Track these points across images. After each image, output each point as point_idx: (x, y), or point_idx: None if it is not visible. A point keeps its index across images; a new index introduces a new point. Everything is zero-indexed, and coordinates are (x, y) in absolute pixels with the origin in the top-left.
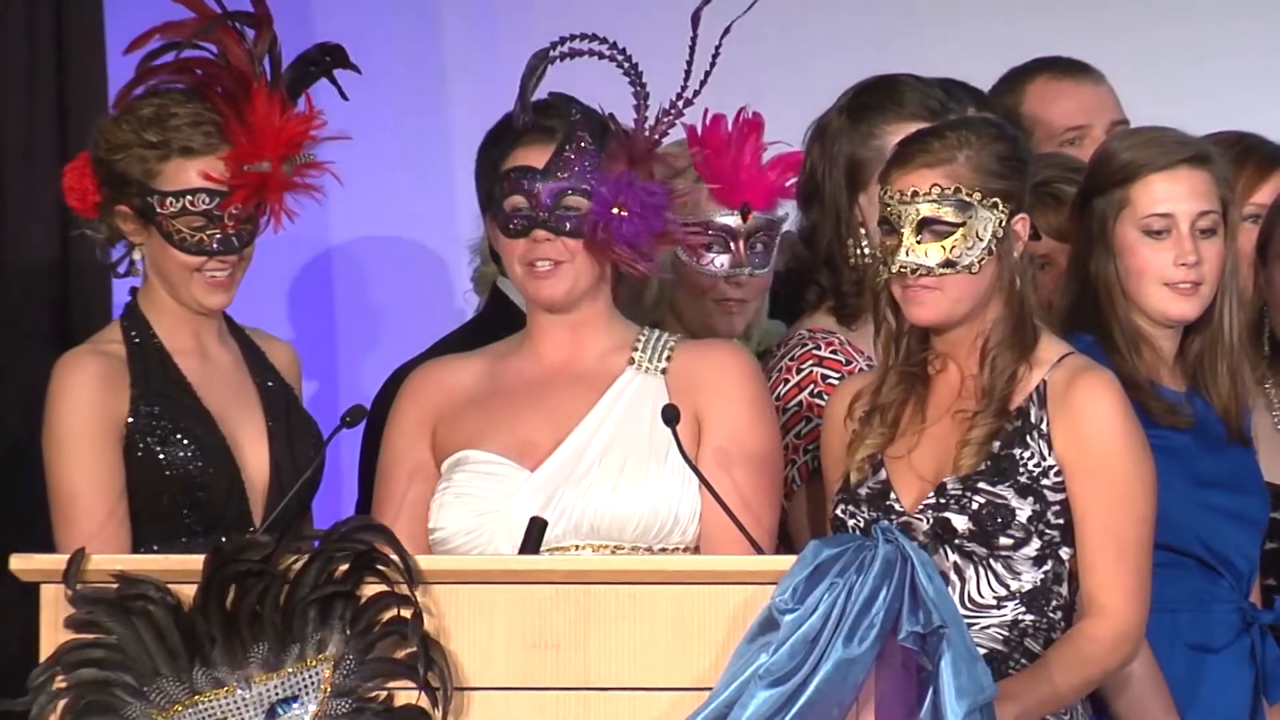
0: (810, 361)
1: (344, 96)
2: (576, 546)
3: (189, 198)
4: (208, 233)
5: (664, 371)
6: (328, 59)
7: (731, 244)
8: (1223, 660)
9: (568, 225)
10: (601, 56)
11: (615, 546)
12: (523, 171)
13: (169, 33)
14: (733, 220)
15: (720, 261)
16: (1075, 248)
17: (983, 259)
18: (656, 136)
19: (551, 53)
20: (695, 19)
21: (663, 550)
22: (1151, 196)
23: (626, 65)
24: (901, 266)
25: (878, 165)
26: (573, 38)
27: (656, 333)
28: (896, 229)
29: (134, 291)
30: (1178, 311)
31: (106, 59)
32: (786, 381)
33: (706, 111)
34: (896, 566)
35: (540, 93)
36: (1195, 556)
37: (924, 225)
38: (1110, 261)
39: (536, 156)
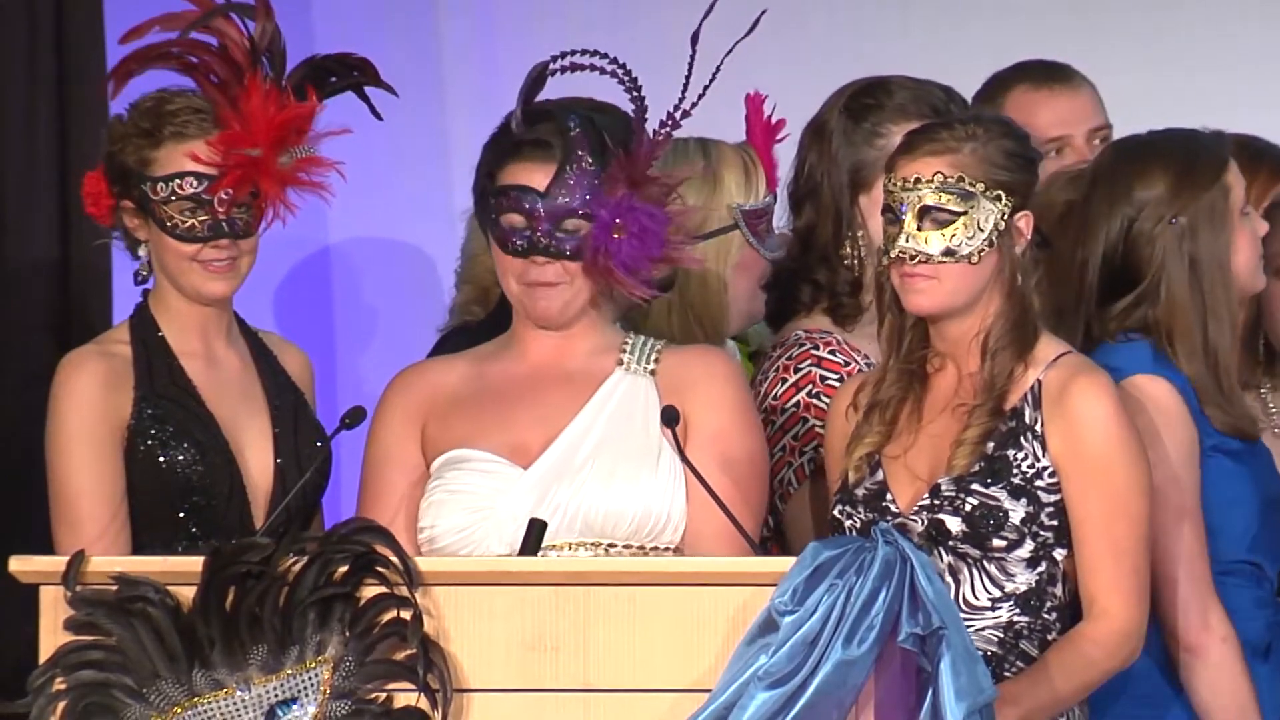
0: (808, 362)
1: (377, 116)
2: (570, 545)
3: (177, 181)
4: (199, 218)
5: (652, 373)
6: (355, 74)
7: (771, 225)
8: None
9: (567, 249)
10: (602, 71)
11: (609, 544)
12: (522, 191)
13: (168, 24)
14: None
15: (774, 243)
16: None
17: (983, 250)
18: (656, 153)
19: (552, 65)
20: (694, 39)
21: (654, 549)
22: (1242, 187)
23: (627, 81)
24: (901, 252)
25: (882, 165)
26: (574, 52)
27: (642, 337)
28: (899, 216)
29: (146, 293)
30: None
31: (106, 59)
32: (784, 381)
33: (753, 98)
34: (896, 568)
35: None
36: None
37: (925, 213)
38: (1228, 252)
39: (537, 176)
